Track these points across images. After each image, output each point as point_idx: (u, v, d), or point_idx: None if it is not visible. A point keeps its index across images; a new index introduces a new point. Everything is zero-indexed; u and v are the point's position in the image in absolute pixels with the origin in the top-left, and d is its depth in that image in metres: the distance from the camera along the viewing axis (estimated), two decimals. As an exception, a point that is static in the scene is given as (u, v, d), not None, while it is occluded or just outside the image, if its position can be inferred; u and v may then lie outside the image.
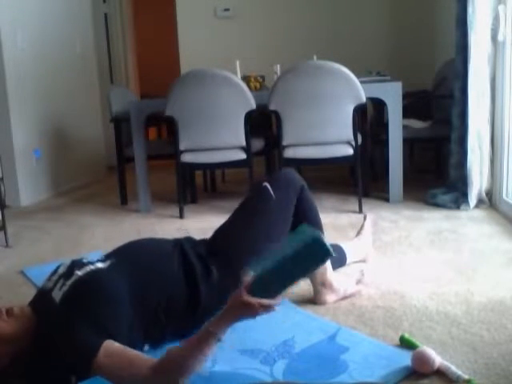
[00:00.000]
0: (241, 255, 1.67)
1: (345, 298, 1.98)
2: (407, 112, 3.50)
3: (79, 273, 1.48)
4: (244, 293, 1.27)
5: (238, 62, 3.75)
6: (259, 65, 4.17)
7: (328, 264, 1.91)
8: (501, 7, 2.92)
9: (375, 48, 4.89)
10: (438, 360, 1.44)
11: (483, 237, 2.64)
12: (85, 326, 1.34)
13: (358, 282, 2.07)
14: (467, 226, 2.83)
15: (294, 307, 1.94)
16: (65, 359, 1.32)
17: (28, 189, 4.22)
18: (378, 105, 3.94)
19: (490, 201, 3.17)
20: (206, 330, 1.28)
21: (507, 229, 2.74)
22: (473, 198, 3.14)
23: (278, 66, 3.71)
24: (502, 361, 1.49)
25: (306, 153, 3.26)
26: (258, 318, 1.74)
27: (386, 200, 3.46)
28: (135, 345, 1.43)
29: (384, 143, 3.52)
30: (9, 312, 1.39)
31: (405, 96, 3.42)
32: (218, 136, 3.31)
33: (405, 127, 3.43)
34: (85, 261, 1.58)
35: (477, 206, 3.15)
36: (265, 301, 1.27)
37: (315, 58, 3.70)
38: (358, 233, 2.46)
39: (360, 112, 3.29)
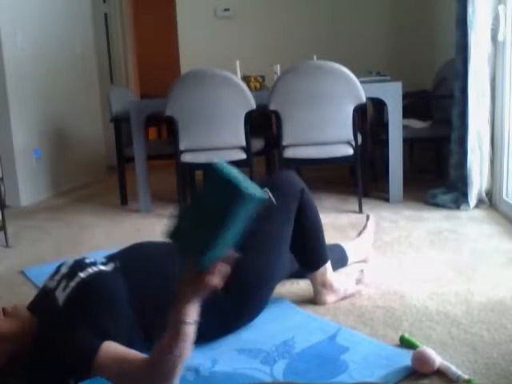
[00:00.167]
0: (246, 275, 1.66)
1: (345, 298, 1.98)
2: (407, 112, 3.51)
3: (82, 275, 1.48)
4: (188, 268, 1.21)
5: (238, 62, 3.75)
6: (259, 65, 4.18)
7: (328, 265, 1.92)
8: (501, 7, 2.92)
9: (375, 48, 4.89)
10: (438, 360, 1.44)
11: (483, 237, 2.64)
12: (86, 328, 1.35)
13: (358, 281, 2.07)
14: (467, 226, 2.83)
15: (294, 307, 1.94)
16: (65, 360, 1.32)
17: (28, 189, 4.22)
18: (378, 105, 3.94)
19: (490, 201, 3.17)
20: (173, 323, 1.24)
21: (507, 229, 2.74)
22: (473, 198, 3.14)
23: (278, 65, 3.71)
24: (502, 361, 1.49)
25: (306, 153, 3.26)
26: (258, 318, 1.76)
27: (386, 200, 3.46)
28: (135, 345, 1.44)
29: (384, 143, 3.52)
30: (5, 311, 1.40)
31: (405, 96, 3.42)
32: (218, 136, 3.31)
33: (405, 127, 3.43)
34: (87, 261, 1.57)
35: (477, 206, 3.15)
36: (211, 268, 1.18)
37: (315, 58, 3.70)
38: (360, 232, 2.46)
39: (360, 112, 3.29)
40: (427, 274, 2.19)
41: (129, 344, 1.38)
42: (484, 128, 3.09)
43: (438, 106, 4.00)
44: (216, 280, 1.20)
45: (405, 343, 1.61)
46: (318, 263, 1.90)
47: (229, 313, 1.66)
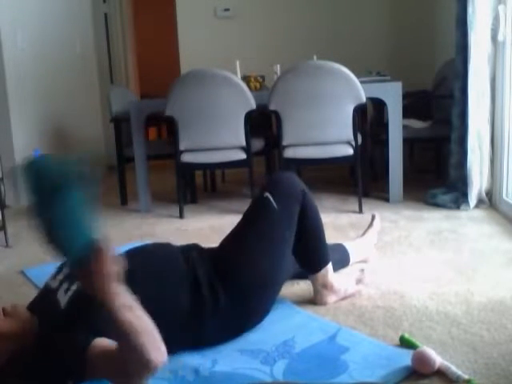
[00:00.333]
0: (250, 280, 1.67)
1: (345, 298, 1.98)
2: (407, 112, 3.50)
3: None
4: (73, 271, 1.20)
5: (238, 62, 3.75)
6: (259, 65, 4.17)
7: (329, 266, 1.92)
8: (501, 7, 2.92)
9: (375, 48, 4.89)
10: (438, 360, 1.44)
11: (483, 237, 2.64)
12: (86, 331, 1.36)
13: (359, 281, 2.07)
14: (467, 226, 2.83)
15: (294, 307, 1.94)
16: (64, 360, 1.33)
17: (28, 189, 4.22)
18: (378, 105, 3.94)
19: (490, 201, 3.17)
20: (110, 318, 1.23)
21: (507, 229, 2.74)
22: (473, 198, 3.14)
23: (278, 66, 3.71)
24: (502, 361, 1.49)
25: (306, 153, 3.26)
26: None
27: (386, 200, 3.46)
28: None
29: (384, 143, 3.52)
30: (5, 311, 1.40)
31: (405, 96, 3.42)
32: (218, 136, 3.31)
33: (405, 127, 3.43)
34: None
35: (477, 206, 3.15)
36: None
37: (315, 58, 3.70)
38: (365, 231, 2.46)
39: (360, 112, 3.29)
40: (427, 274, 2.19)
41: None
42: (484, 128, 3.09)
43: (438, 106, 4.00)
44: (106, 266, 1.18)
45: (405, 343, 1.61)
46: (319, 265, 1.90)
47: (236, 317, 1.66)
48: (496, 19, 2.96)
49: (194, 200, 3.88)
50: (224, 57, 4.53)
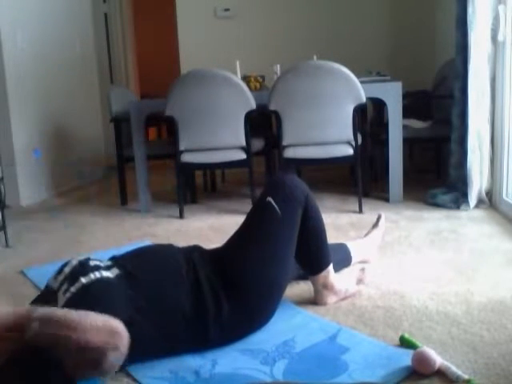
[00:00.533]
0: (255, 287, 1.67)
1: (345, 298, 1.98)
2: (407, 112, 3.50)
3: (83, 280, 1.49)
4: None
5: (238, 62, 3.75)
6: (259, 65, 4.17)
7: (331, 267, 1.91)
8: (501, 7, 2.92)
9: (375, 48, 4.89)
10: (438, 360, 1.44)
11: (483, 237, 2.64)
12: None
13: (359, 281, 2.07)
14: (467, 226, 2.83)
15: (295, 307, 1.94)
16: (63, 360, 1.33)
17: (28, 189, 4.22)
18: (378, 105, 3.94)
19: (490, 201, 3.17)
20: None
21: (507, 229, 2.74)
22: (473, 198, 3.14)
23: (278, 66, 3.71)
24: (502, 361, 1.49)
25: (306, 153, 3.26)
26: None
27: (386, 200, 3.46)
28: (134, 359, 1.46)
29: (384, 143, 3.52)
30: (5, 311, 1.41)
31: (405, 96, 3.42)
32: (217, 136, 3.31)
33: (405, 127, 3.43)
34: (91, 264, 1.58)
35: (477, 206, 3.15)
36: None
37: (315, 58, 3.70)
38: (369, 232, 2.45)
39: (360, 112, 3.29)
40: (427, 274, 2.19)
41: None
42: (484, 128, 3.09)
43: (438, 106, 4.00)
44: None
45: (405, 343, 1.61)
46: (320, 266, 1.90)
47: (239, 322, 1.66)
48: (496, 19, 2.96)
49: (194, 200, 3.88)
50: (224, 57, 4.54)
